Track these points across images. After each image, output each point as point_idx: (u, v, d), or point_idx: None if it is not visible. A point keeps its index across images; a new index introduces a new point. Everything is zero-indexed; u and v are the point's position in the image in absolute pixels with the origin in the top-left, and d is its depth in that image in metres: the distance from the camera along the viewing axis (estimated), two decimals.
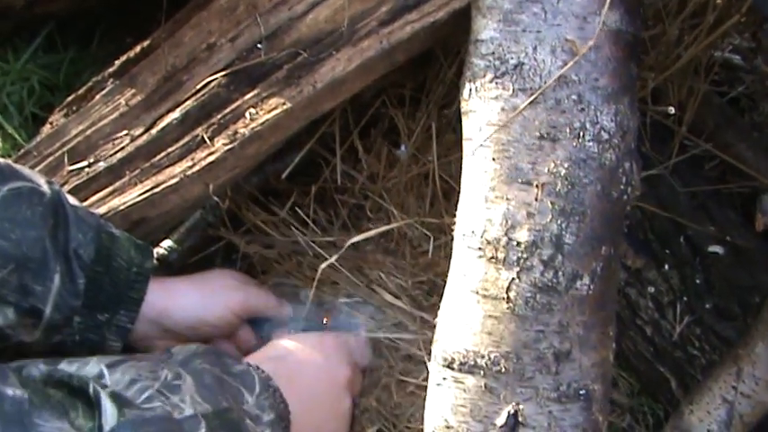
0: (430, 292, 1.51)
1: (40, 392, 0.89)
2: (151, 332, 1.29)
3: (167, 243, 1.47)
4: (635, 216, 1.46)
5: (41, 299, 1.15)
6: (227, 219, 1.50)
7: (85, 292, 1.19)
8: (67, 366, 0.98)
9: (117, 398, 0.94)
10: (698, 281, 1.46)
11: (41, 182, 1.20)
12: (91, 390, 0.92)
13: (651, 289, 1.46)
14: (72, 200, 1.25)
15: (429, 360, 1.30)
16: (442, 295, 1.23)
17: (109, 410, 0.91)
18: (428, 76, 1.49)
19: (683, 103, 1.43)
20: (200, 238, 1.51)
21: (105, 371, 0.99)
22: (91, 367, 0.99)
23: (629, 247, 1.45)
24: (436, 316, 1.11)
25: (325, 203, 1.55)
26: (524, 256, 1.00)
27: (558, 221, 1.00)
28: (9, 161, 1.22)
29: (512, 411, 1.02)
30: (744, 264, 1.45)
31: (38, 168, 1.41)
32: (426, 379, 1.30)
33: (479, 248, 1.02)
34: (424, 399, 1.16)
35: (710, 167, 1.54)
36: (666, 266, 1.46)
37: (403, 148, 1.49)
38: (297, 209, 1.53)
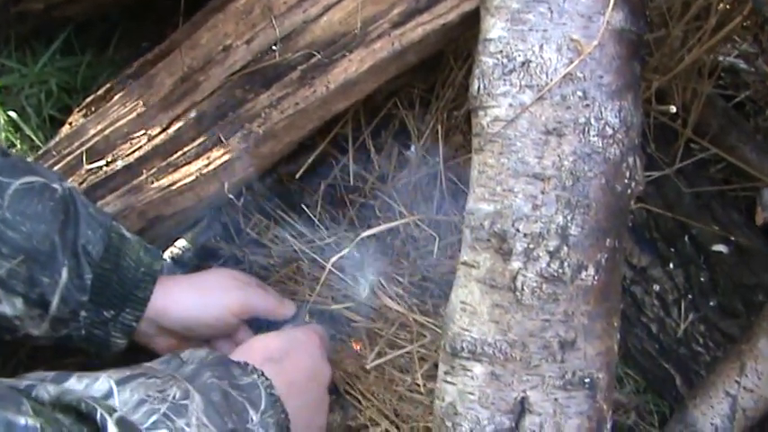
0: (432, 293, 1.53)
1: (53, 421, 0.88)
2: (150, 330, 1.30)
3: (182, 242, 1.49)
4: (641, 215, 1.48)
5: (49, 291, 1.18)
6: (232, 228, 1.54)
7: (92, 288, 1.21)
8: (77, 383, 0.98)
9: (123, 424, 0.93)
10: (702, 279, 1.48)
11: (54, 178, 1.23)
12: (98, 417, 0.91)
13: (656, 287, 1.48)
14: (84, 199, 1.27)
15: (427, 360, 1.34)
16: (441, 296, 1.26)
17: None
18: (438, 79, 1.52)
19: (688, 105, 1.45)
20: (213, 238, 1.53)
21: (114, 389, 0.99)
22: (101, 384, 0.99)
23: (635, 246, 1.48)
24: (437, 317, 1.14)
25: (334, 203, 1.57)
26: (531, 247, 1.03)
27: (564, 213, 1.02)
28: (20, 155, 1.24)
29: (518, 398, 1.04)
30: (747, 263, 1.48)
31: (57, 167, 1.44)
32: (425, 378, 1.34)
33: (487, 240, 1.05)
34: (425, 398, 1.19)
35: (716, 170, 1.56)
36: (671, 265, 1.49)
37: (413, 148, 1.51)
38: (304, 207, 1.55)
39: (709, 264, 1.48)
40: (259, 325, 1.40)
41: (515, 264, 1.03)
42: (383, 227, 1.43)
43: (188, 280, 1.37)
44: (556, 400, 1.04)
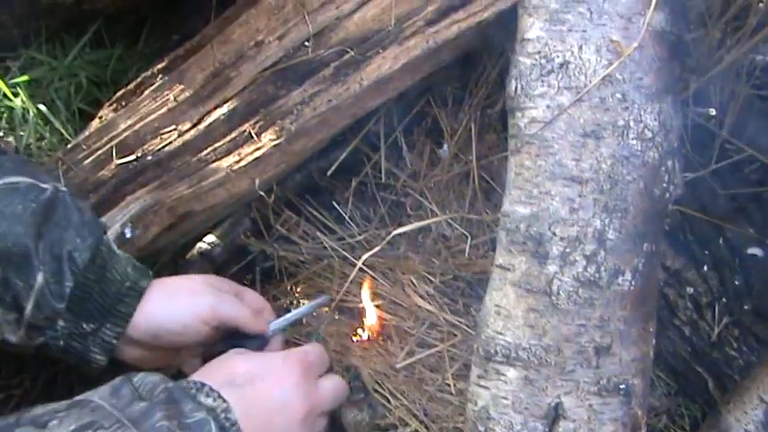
0: (463, 292, 1.52)
1: None
2: (122, 343, 1.25)
3: (211, 238, 1.49)
4: (675, 217, 1.47)
5: (23, 295, 1.15)
6: (261, 224, 1.53)
7: (72, 297, 1.18)
8: None
9: None
10: (737, 282, 1.46)
11: (46, 180, 1.20)
12: None
13: (690, 290, 1.47)
14: (82, 204, 1.25)
15: (457, 360, 1.33)
16: (472, 295, 1.24)
17: None
18: (472, 77, 1.51)
19: (725, 105, 1.43)
20: (243, 234, 1.53)
21: None
22: None
23: (669, 248, 1.46)
24: (468, 316, 1.12)
25: (365, 201, 1.57)
26: (567, 250, 1.02)
27: (602, 217, 1.01)
28: (16, 155, 1.22)
29: (553, 404, 1.03)
30: None
31: (87, 162, 1.44)
32: (455, 378, 1.32)
33: (523, 243, 1.04)
34: (454, 398, 1.17)
35: (751, 171, 1.53)
36: (705, 267, 1.47)
37: (445, 147, 1.51)
38: (335, 204, 1.54)
39: (744, 267, 1.46)
40: (236, 339, 1.30)
41: (551, 268, 1.02)
42: (414, 225, 1.42)
43: (161, 286, 1.27)
44: (590, 405, 1.03)
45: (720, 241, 1.48)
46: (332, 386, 1.23)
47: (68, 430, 0.97)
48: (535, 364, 1.03)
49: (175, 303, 1.26)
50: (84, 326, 1.20)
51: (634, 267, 1.03)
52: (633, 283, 1.03)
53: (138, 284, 1.22)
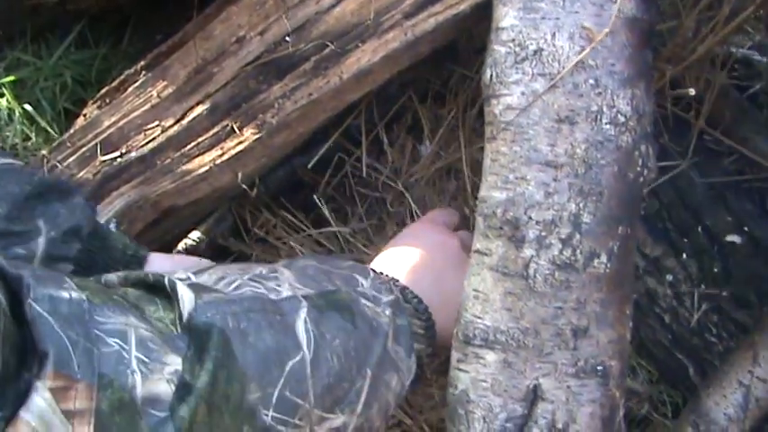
0: None
1: (102, 293, 0.83)
2: None
3: (195, 234, 1.50)
4: (653, 206, 1.48)
5: (25, 261, 1.15)
6: (240, 225, 1.54)
7: (77, 262, 1.20)
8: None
9: (195, 285, 0.89)
10: (716, 269, 1.48)
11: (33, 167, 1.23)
12: (167, 281, 0.88)
13: (669, 277, 1.48)
14: (73, 186, 1.29)
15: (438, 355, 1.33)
16: None
17: (186, 297, 0.85)
18: (454, 74, 1.52)
19: (701, 95, 1.45)
20: (227, 230, 1.54)
21: (192, 276, 0.94)
22: (177, 275, 0.93)
23: (648, 236, 1.48)
24: None
25: (346, 198, 1.58)
26: (543, 234, 1.03)
27: (577, 201, 1.03)
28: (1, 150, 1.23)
29: (531, 386, 1.05)
30: (761, 253, 1.47)
31: (71, 159, 1.45)
32: (437, 373, 1.33)
33: (500, 228, 1.05)
34: (437, 392, 1.18)
35: (730, 161, 1.55)
36: (685, 255, 1.48)
37: (427, 143, 1.52)
38: (317, 200, 1.54)
39: (723, 254, 1.48)
40: None
41: (528, 251, 1.04)
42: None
43: (155, 255, 1.33)
44: (568, 387, 1.05)
45: (699, 229, 1.49)
46: (465, 234, 1.26)
47: (199, 268, 0.98)
48: (513, 346, 1.04)
49: (177, 262, 1.32)
50: None
51: (609, 250, 1.04)
52: (609, 265, 1.04)
53: (138, 253, 1.26)
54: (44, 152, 1.47)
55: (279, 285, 0.95)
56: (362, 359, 0.96)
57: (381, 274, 1.12)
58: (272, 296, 0.92)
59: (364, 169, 1.50)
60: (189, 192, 1.39)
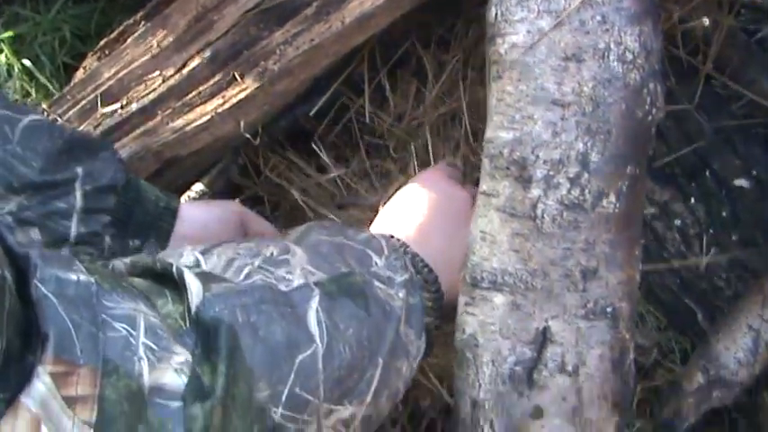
0: None
1: (111, 279, 0.81)
2: None
3: (198, 186, 1.49)
4: (661, 150, 1.47)
5: (65, 215, 1.17)
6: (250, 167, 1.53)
7: (115, 212, 1.21)
8: (161, 258, 0.90)
9: (204, 275, 0.86)
10: (724, 214, 1.46)
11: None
12: (174, 270, 0.85)
13: (677, 222, 1.47)
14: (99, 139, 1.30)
15: None
16: None
17: (194, 289, 0.83)
18: (459, 20, 1.50)
19: (708, 37, 1.43)
20: (230, 182, 1.53)
21: (201, 258, 0.92)
22: (186, 257, 0.92)
23: (656, 181, 1.46)
24: None
25: (350, 145, 1.56)
26: (551, 173, 1.01)
27: (584, 140, 1.01)
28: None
29: (540, 329, 1.03)
30: None
31: (71, 112, 1.44)
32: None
33: (506, 168, 1.04)
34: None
35: (738, 106, 1.53)
36: (693, 199, 1.47)
37: (430, 87, 1.50)
38: (315, 145, 1.53)
39: (731, 198, 1.47)
40: None
41: (535, 191, 1.02)
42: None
43: (186, 204, 1.35)
44: (578, 329, 1.03)
45: (707, 173, 1.48)
46: (472, 187, 1.24)
47: (209, 245, 0.97)
48: (521, 288, 1.03)
49: (208, 209, 1.34)
50: (130, 242, 1.22)
51: (618, 190, 1.02)
52: (617, 205, 1.02)
53: (170, 205, 1.27)
54: (44, 106, 1.46)
55: (290, 272, 0.92)
56: (375, 348, 0.94)
57: (393, 239, 1.09)
58: (283, 287, 0.90)
59: (367, 116, 1.48)
60: (191, 142, 1.38)
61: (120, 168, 1.23)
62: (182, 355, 0.78)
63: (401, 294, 1.00)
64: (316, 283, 0.92)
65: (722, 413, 1.43)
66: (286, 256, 0.94)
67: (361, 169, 1.53)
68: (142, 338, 0.77)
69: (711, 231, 1.46)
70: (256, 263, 0.91)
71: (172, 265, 0.86)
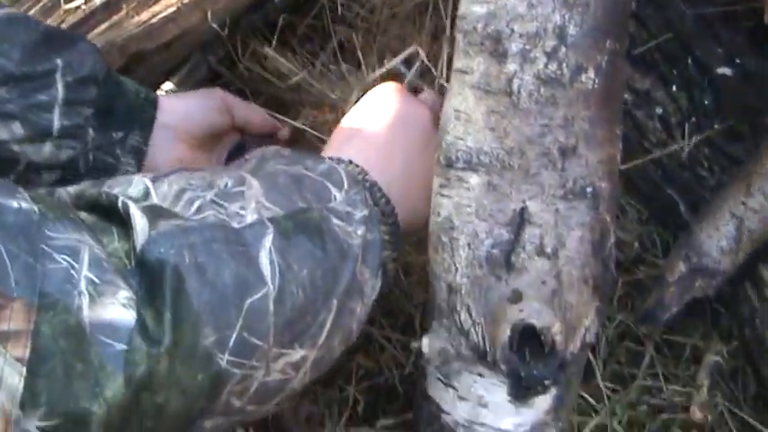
0: None
1: (58, 209, 0.77)
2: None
3: (168, 85, 1.46)
4: (641, 36, 1.44)
5: (47, 107, 1.15)
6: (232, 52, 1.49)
7: (97, 104, 1.19)
8: (108, 189, 0.85)
9: (151, 210, 0.81)
10: (706, 102, 1.44)
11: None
12: (120, 204, 0.81)
13: (659, 110, 1.44)
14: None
15: None
16: None
17: (140, 226, 0.79)
18: None
19: None
20: (200, 81, 1.50)
21: (151, 187, 0.86)
22: (135, 185, 0.86)
23: (636, 69, 1.43)
24: None
25: (323, 36, 1.52)
26: (527, 47, 0.98)
27: (561, 12, 0.97)
28: None
29: (517, 210, 1.00)
30: (753, 85, 1.43)
31: (33, 10, 1.40)
32: None
33: (481, 43, 1.00)
34: None
35: None
36: (674, 87, 1.44)
37: None
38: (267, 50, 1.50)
39: (714, 86, 1.44)
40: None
41: (511, 66, 0.98)
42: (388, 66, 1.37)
43: (165, 95, 1.36)
44: (557, 210, 1.00)
45: (689, 60, 1.45)
46: (431, 96, 1.22)
47: (161, 173, 0.91)
48: (498, 168, 1.00)
49: (188, 97, 1.34)
50: (113, 134, 1.22)
51: (597, 65, 0.99)
52: (596, 81, 0.99)
53: (149, 96, 1.26)
54: (5, 4, 1.42)
55: (243, 207, 0.87)
56: (330, 289, 0.90)
57: (351, 166, 1.04)
58: (235, 223, 0.85)
59: (339, 8, 1.44)
60: (157, 34, 1.35)
61: (99, 59, 1.21)
62: (127, 291, 0.75)
63: (360, 231, 0.95)
64: (270, 220, 0.87)
65: (704, 304, 1.41)
66: (241, 188, 0.90)
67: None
68: (85, 271, 0.73)
69: (693, 119, 1.43)
70: (209, 196, 0.87)
71: (118, 198, 0.82)
